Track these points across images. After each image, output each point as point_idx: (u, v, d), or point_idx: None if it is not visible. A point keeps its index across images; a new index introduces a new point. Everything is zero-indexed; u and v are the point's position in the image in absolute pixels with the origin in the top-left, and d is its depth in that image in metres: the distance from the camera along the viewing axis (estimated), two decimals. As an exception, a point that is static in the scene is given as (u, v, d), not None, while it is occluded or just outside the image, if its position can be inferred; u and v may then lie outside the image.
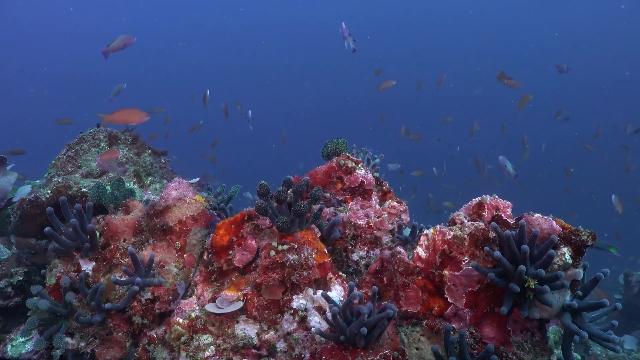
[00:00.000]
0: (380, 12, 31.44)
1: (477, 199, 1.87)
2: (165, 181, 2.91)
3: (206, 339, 1.82)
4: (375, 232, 2.20)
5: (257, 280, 1.85)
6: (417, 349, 1.75)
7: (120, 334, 1.98)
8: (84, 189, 2.44)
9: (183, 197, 2.20)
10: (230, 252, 1.99)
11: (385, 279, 1.95)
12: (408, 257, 1.86)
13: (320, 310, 1.79)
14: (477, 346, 1.68)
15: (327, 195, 2.28)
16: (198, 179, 2.75)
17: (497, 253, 1.59)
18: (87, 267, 2.05)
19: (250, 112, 7.34)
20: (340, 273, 2.01)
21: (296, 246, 1.85)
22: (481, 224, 1.76)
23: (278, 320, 1.80)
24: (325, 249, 1.96)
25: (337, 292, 1.88)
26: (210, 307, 1.83)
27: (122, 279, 1.93)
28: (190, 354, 1.81)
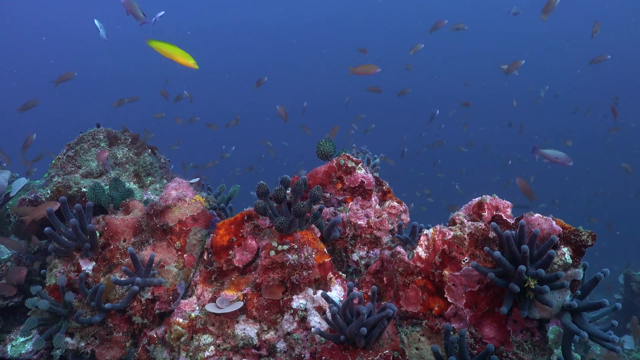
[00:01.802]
0: (379, 11, 31.46)
1: (477, 199, 1.87)
2: (165, 181, 2.90)
3: (206, 339, 1.82)
4: (375, 232, 2.20)
5: (257, 280, 1.85)
6: (417, 349, 1.75)
7: (120, 334, 1.98)
8: (84, 189, 2.44)
9: (183, 197, 2.20)
10: (230, 252, 1.99)
11: (385, 279, 1.95)
12: (408, 257, 1.86)
13: (320, 310, 1.79)
14: (477, 346, 1.68)
15: (327, 195, 2.28)
16: (198, 179, 2.75)
17: (497, 253, 1.59)
18: (87, 267, 2.04)
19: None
20: (340, 273, 2.01)
21: (296, 246, 1.85)
22: (481, 224, 1.76)
23: (278, 320, 1.80)
24: (325, 249, 1.96)
25: (337, 292, 1.88)
26: (210, 307, 1.83)
27: (122, 279, 1.93)
28: (190, 354, 1.81)
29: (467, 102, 10.58)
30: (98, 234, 2.11)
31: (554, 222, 1.64)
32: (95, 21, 4.88)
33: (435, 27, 7.75)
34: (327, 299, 1.67)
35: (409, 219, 2.32)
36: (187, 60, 2.05)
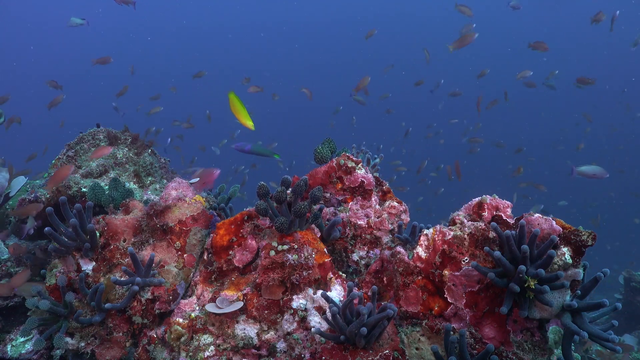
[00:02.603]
0: (380, 11, 31.47)
1: (477, 199, 1.87)
2: (165, 181, 2.91)
3: (206, 339, 1.82)
4: (375, 232, 2.20)
5: (257, 280, 1.85)
6: (417, 349, 1.75)
7: (120, 334, 1.98)
8: (84, 189, 2.44)
9: (183, 197, 2.20)
10: (230, 252, 1.99)
11: (385, 279, 1.95)
12: (408, 257, 1.86)
13: (320, 310, 1.79)
14: (477, 346, 1.68)
15: (327, 195, 2.28)
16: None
17: (497, 253, 1.59)
18: (87, 267, 2.05)
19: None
20: (340, 273, 2.01)
21: (296, 246, 1.85)
22: (481, 224, 1.76)
23: (278, 320, 1.80)
24: (325, 249, 1.96)
25: (337, 292, 1.88)
26: (210, 307, 1.83)
27: (122, 279, 1.93)
28: (190, 354, 1.81)
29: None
30: (98, 234, 2.11)
31: (554, 222, 1.64)
32: (69, 22, 4.96)
33: (463, 11, 7.56)
34: (327, 299, 1.67)
35: (409, 219, 2.32)
36: (247, 121, 2.26)
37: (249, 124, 2.28)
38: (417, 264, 1.83)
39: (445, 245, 1.76)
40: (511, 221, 1.78)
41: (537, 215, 1.68)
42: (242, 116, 2.26)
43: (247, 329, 1.79)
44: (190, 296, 2.03)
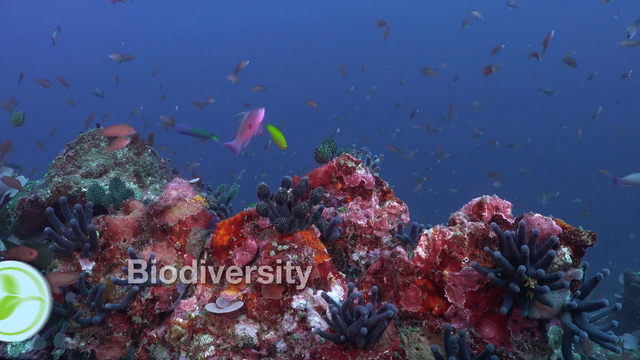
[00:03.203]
0: (381, 10, 31.46)
1: (477, 199, 1.87)
2: (165, 181, 2.90)
3: (206, 339, 1.82)
4: (375, 232, 2.20)
5: (257, 280, 1.85)
6: (417, 349, 1.75)
7: (120, 334, 1.98)
8: (84, 189, 2.44)
9: (183, 197, 2.20)
10: (230, 252, 1.98)
11: (385, 279, 1.95)
12: (408, 257, 1.86)
13: (320, 310, 1.79)
14: (477, 346, 1.68)
15: (327, 195, 2.28)
16: (198, 179, 2.75)
17: (497, 253, 1.59)
18: (87, 267, 2.05)
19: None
20: (340, 273, 2.01)
21: (296, 246, 1.85)
22: (481, 224, 1.76)
23: (278, 320, 1.80)
24: (325, 249, 1.96)
25: (337, 292, 1.88)
26: (210, 307, 1.83)
27: (122, 279, 1.93)
28: (190, 354, 1.81)
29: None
30: (98, 234, 2.11)
31: (554, 222, 1.64)
32: (54, 41, 5.37)
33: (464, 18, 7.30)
34: (327, 299, 1.67)
35: (409, 219, 2.32)
36: (283, 144, 2.68)
37: (285, 146, 2.69)
38: (417, 264, 1.83)
39: (445, 245, 1.76)
40: (511, 221, 1.78)
41: (537, 215, 1.68)
42: (281, 142, 2.67)
43: (247, 329, 1.80)
44: (190, 296, 2.03)
